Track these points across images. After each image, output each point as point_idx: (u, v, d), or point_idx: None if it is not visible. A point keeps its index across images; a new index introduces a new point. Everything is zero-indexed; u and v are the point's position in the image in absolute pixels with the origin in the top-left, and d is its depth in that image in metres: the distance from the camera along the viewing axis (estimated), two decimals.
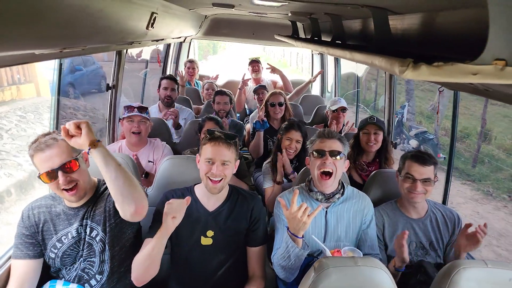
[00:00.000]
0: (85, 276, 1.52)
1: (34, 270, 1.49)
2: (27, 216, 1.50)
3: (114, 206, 1.44)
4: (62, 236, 1.49)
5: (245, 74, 4.18)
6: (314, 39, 2.57)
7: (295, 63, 22.36)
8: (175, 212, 1.39)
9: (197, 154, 1.66)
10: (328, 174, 1.64)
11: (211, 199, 1.65)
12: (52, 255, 1.49)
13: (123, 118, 2.41)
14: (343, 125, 3.22)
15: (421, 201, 1.78)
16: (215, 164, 1.54)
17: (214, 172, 1.54)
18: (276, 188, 2.32)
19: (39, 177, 1.39)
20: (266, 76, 4.74)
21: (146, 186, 2.17)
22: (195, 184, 1.71)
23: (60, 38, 1.19)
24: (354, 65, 4.96)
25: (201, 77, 5.25)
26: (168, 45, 4.68)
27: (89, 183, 1.51)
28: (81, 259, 1.51)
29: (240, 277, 1.70)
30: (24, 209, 1.52)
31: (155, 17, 1.92)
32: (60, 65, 2.23)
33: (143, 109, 2.41)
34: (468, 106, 9.42)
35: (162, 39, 2.72)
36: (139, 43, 2.32)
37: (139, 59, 8.51)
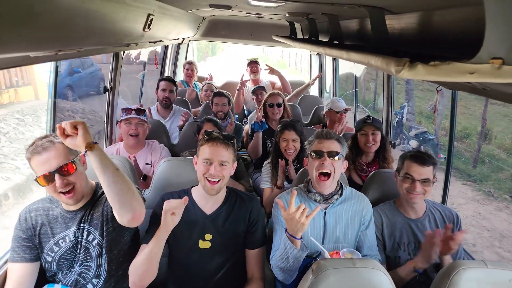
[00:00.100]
0: (82, 280, 1.51)
1: (31, 274, 1.47)
2: (24, 219, 1.48)
3: (112, 210, 1.42)
4: (59, 240, 1.48)
5: (243, 75, 4.17)
6: (311, 39, 2.57)
7: (294, 63, 22.37)
8: (174, 208, 1.38)
9: (195, 156, 1.65)
10: (327, 175, 1.63)
11: (208, 201, 1.64)
12: (49, 259, 1.48)
13: (121, 120, 2.40)
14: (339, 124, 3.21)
15: (420, 201, 1.78)
16: (213, 164, 1.54)
17: (212, 172, 1.53)
18: (276, 192, 2.31)
19: (36, 180, 1.38)
20: (265, 77, 4.73)
21: (144, 188, 2.16)
22: (192, 187, 1.70)
23: (54, 40, 1.18)
24: (352, 65, 4.96)
25: (200, 79, 5.24)
26: (166, 47, 4.68)
27: (87, 186, 1.50)
28: (78, 263, 1.50)
29: (239, 279, 1.69)
30: (21, 212, 1.51)
31: (151, 19, 1.92)
32: (56, 67, 2.21)
33: (140, 111, 2.41)
34: (468, 106, 9.41)
35: (160, 41, 2.71)
36: (136, 45, 2.31)
37: (137, 61, 8.51)
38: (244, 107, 4.58)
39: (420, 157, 1.74)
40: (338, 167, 1.66)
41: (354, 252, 1.52)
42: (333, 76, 4.87)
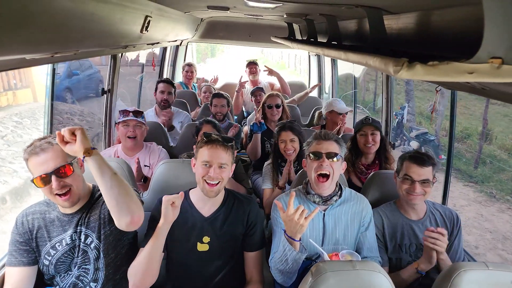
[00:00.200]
0: (80, 283, 1.49)
1: (29, 278, 1.46)
2: (21, 222, 1.47)
3: (109, 213, 1.41)
4: (56, 243, 1.47)
5: (242, 76, 4.17)
6: (310, 40, 2.57)
7: (293, 64, 22.40)
8: (173, 199, 1.39)
9: (193, 158, 1.64)
10: (325, 176, 1.62)
11: (206, 204, 1.63)
12: (46, 262, 1.47)
13: (119, 122, 2.39)
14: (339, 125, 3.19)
15: (420, 202, 1.76)
16: (213, 167, 1.53)
17: (211, 175, 1.52)
18: (277, 192, 2.30)
19: (32, 181, 1.38)
20: (264, 78, 4.73)
21: (143, 190, 2.15)
22: (190, 189, 1.69)
23: (51, 42, 1.17)
24: (351, 66, 4.96)
25: (202, 81, 5.24)
26: (164, 49, 4.67)
27: (83, 188, 1.49)
28: (76, 266, 1.49)
29: (238, 282, 1.68)
30: (18, 216, 1.50)
31: (149, 21, 1.91)
32: (53, 69, 2.20)
33: (138, 113, 2.40)
34: (468, 106, 9.40)
35: (158, 43, 2.71)
36: (134, 47, 2.30)
37: (137, 62, 8.51)
38: (243, 109, 4.57)
39: (419, 158, 1.73)
40: (337, 168, 1.65)
41: (353, 253, 1.51)
42: (332, 76, 4.87)
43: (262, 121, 2.90)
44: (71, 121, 7.38)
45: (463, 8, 0.90)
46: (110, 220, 1.41)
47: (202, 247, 1.60)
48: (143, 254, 1.42)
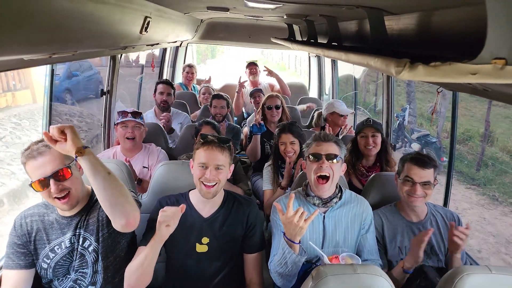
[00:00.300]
0: (78, 287, 1.48)
1: (26, 281, 1.45)
2: (19, 224, 1.46)
3: (107, 216, 1.40)
4: (55, 246, 1.45)
5: (241, 77, 4.16)
6: (310, 41, 2.56)
7: (293, 66, 22.42)
8: (169, 220, 1.36)
9: (191, 159, 1.64)
10: (325, 178, 1.61)
11: (206, 205, 1.62)
12: (45, 266, 1.45)
13: (117, 123, 2.38)
14: (340, 128, 3.17)
15: (421, 204, 1.75)
16: (209, 168, 1.52)
17: (207, 176, 1.51)
18: (279, 192, 2.29)
19: (30, 185, 1.36)
20: (264, 79, 4.73)
21: (140, 192, 2.14)
22: (190, 190, 1.69)
23: (48, 43, 1.16)
24: (351, 67, 4.96)
25: (198, 81, 5.24)
26: (164, 50, 4.67)
27: (82, 191, 1.47)
28: (74, 270, 1.47)
29: (237, 284, 1.67)
30: (17, 218, 1.48)
31: (148, 21, 1.90)
32: (52, 70, 2.19)
33: (137, 114, 2.39)
34: (468, 107, 9.39)
35: (157, 44, 2.70)
36: (133, 48, 2.29)
37: (136, 64, 8.52)
38: (243, 110, 4.56)
39: (420, 160, 1.71)
40: (337, 170, 1.64)
41: (354, 256, 1.50)
42: (332, 78, 4.86)
43: (262, 122, 2.89)
44: (70, 122, 7.36)
45: (465, 9, 0.89)
46: (109, 222, 1.40)
47: (201, 248, 1.59)
48: (138, 260, 1.41)
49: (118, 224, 1.32)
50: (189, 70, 4.66)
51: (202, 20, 3.96)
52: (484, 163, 7.85)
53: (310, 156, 1.67)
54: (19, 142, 6.34)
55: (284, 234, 1.44)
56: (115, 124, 2.48)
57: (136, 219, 1.34)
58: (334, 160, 1.62)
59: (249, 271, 1.65)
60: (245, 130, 3.48)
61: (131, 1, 1.56)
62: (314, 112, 3.76)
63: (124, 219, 1.30)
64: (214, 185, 1.53)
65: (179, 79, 4.94)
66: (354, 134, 2.77)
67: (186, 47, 5.25)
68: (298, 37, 3.63)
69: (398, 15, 1.26)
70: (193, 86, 4.81)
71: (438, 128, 8.70)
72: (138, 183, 2.29)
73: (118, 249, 1.53)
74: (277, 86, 4.56)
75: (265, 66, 4.50)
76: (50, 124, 2.27)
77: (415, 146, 7.45)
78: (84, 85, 9.26)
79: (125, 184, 1.79)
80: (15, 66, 1.33)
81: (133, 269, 1.41)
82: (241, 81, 4.07)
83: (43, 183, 1.34)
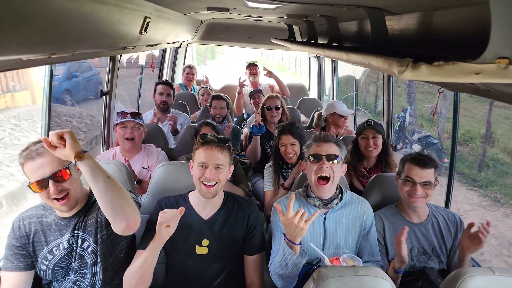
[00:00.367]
0: None
1: (25, 282, 1.44)
2: (18, 226, 1.45)
3: (106, 217, 1.39)
4: (53, 248, 1.44)
5: (240, 77, 4.16)
6: (310, 42, 2.55)
7: (293, 66, 22.43)
8: (169, 221, 1.35)
9: (190, 160, 1.63)
10: (325, 179, 1.60)
11: (206, 206, 1.61)
12: (43, 267, 1.44)
13: (116, 124, 2.37)
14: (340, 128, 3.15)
15: (422, 205, 1.74)
16: (208, 168, 1.52)
17: (207, 176, 1.51)
18: (282, 192, 2.28)
19: (29, 186, 1.35)
20: (264, 80, 4.73)
21: (140, 193, 2.13)
22: (189, 192, 1.68)
23: (47, 43, 1.16)
24: (351, 68, 4.95)
25: (198, 82, 5.24)
26: (164, 50, 4.67)
27: (81, 192, 1.46)
28: (73, 271, 1.46)
29: (238, 286, 1.66)
30: (15, 220, 1.48)
31: (148, 22, 1.89)
32: (51, 71, 2.18)
33: (136, 115, 2.38)
34: (469, 108, 9.38)
35: (157, 44, 2.69)
36: (133, 48, 2.29)
37: (136, 64, 8.51)
38: (243, 111, 4.56)
39: (421, 160, 1.70)
40: (337, 170, 1.63)
41: (355, 258, 1.48)
42: (333, 78, 4.86)
43: (262, 123, 2.88)
44: (70, 123, 7.36)
45: (467, 8, 0.89)
46: (107, 223, 1.39)
47: (201, 250, 1.58)
48: (137, 263, 1.40)
49: (118, 227, 1.31)
50: (189, 71, 4.66)
51: (202, 20, 3.95)
52: (485, 164, 7.83)
53: (310, 157, 1.66)
54: (18, 144, 6.32)
55: (284, 235, 1.43)
56: (114, 125, 2.47)
57: (137, 221, 1.33)
58: (335, 161, 1.62)
59: (250, 273, 1.65)
60: (245, 131, 3.47)
61: (131, 1, 1.56)
62: (314, 113, 3.75)
63: (124, 222, 1.29)
64: (214, 184, 1.53)
65: (178, 80, 4.94)
66: (354, 135, 2.76)
67: (186, 48, 5.25)
68: (298, 38, 3.62)
69: (399, 15, 1.25)
70: (193, 87, 4.80)
71: (439, 129, 8.68)
72: (138, 183, 2.28)
73: (117, 250, 1.51)
74: (277, 87, 4.56)
75: (264, 67, 4.50)
76: (49, 125, 2.26)
77: (416, 148, 7.43)
78: (83, 86, 9.26)
79: (124, 185, 1.80)
80: (13, 66, 1.32)
81: (133, 272, 1.40)
82: (241, 81, 4.07)
83: (42, 184, 1.33)
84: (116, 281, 1.52)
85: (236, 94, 4.17)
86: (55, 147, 1.26)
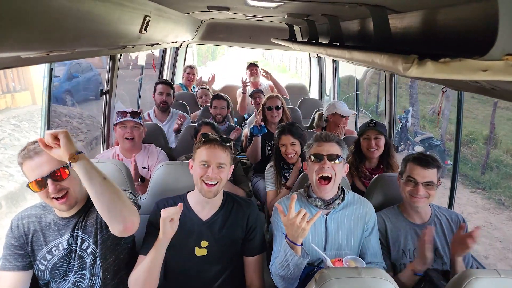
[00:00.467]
0: None
1: (23, 283, 1.43)
2: (16, 226, 1.44)
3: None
4: (52, 248, 1.43)
5: (243, 77, 4.15)
6: (311, 41, 2.54)
7: (294, 67, 22.44)
8: (172, 215, 1.35)
9: (190, 159, 1.62)
10: (327, 179, 1.58)
11: (205, 207, 1.60)
12: (42, 267, 1.43)
13: (116, 124, 2.36)
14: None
15: (424, 205, 1.72)
16: (211, 167, 1.50)
17: (209, 175, 1.49)
18: (284, 192, 2.27)
19: (28, 185, 1.34)
20: (264, 81, 4.72)
21: (141, 192, 2.11)
22: (188, 192, 1.66)
23: (45, 40, 1.15)
24: (352, 68, 4.93)
25: (203, 82, 5.23)
26: (164, 51, 4.66)
27: (80, 192, 1.45)
28: (72, 272, 1.45)
29: (238, 287, 1.64)
30: (14, 219, 1.46)
31: (148, 21, 1.88)
32: (51, 69, 2.17)
33: (136, 114, 2.36)
34: (470, 109, 9.34)
35: (157, 44, 2.68)
36: (133, 47, 2.28)
37: (135, 65, 8.52)
38: None
39: (423, 160, 1.68)
40: (339, 170, 1.61)
41: (358, 259, 1.46)
42: (333, 79, 4.84)
43: (263, 124, 2.86)
44: (70, 124, 7.36)
45: (474, 5, 0.87)
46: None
47: (201, 251, 1.57)
48: (143, 266, 1.38)
49: (115, 230, 1.29)
50: (190, 71, 4.66)
51: (202, 20, 3.95)
52: (488, 166, 7.77)
53: (312, 157, 1.64)
54: (17, 144, 6.31)
55: (286, 236, 1.42)
56: (114, 125, 2.46)
57: (135, 223, 1.31)
58: (336, 161, 1.60)
59: (250, 274, 1.63)
60: (245, 131, 3.46)
61: (131, 0, 1.54)
62: (315, 113, 3.73)
63: (121, 224, 1.27)
64: (216, 183, 1.51)
65: (179, 80, 4.93)
66: (355, 135, 2.74)
67: (186, 48, 5.24)
68: (299, 38, 3.61)
69: (402, 13, 1.23)
70: (193, 87, 4.80)
71: (442, 131, 8.63)
72: (142, 181, 2.27)
73: (118, 251, 1.50)
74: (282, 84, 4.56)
75: (262, 69, 4.50)
76: (49, 125, 2.25)
77: (419, 149, 7.38)
78: (84, 86, 9.27)
79: (124, 185, 1.78)
80: (12, 64, 1.31)
81: (138, 276, 1.39)
82: (245, 81, 4.06)
83: (41, 184, 1.32)
84: (115, 282, 1.50)
85: (241, 94, 4.16)
86: (51, 147, 1.24)
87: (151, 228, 1.50)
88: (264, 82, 4.67)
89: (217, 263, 1.58)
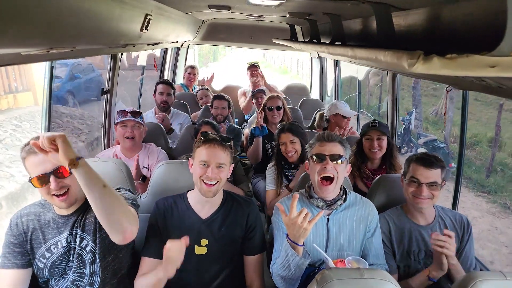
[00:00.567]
0: None
1: (23, 280, 1.42)
2: (15, 224, 1.43)
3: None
4: (51, 246, 1.42)
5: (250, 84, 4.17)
6: (313, 41, 2.52)
7: (295, 69, 22.44)
8: (175, 261, 1.33)
9: (190, 159, 1.61)
10: (329, 180, 1.56)
11: (204, 206, 1.59)
12: (41, 265, 1.42)
13: (117, 123, 2.36)
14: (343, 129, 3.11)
15: (428, 206, 1.69)
16: (210, 166, 1.50)
17: (209, 175, 1.49)
18: (285, 193, 2.26)
19: (30, 181, 1.33)
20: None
21: (142, 191, 2.11)
22: (188, 191, 1.66)
23: (45, 37, 1.14)
24: (354, 69, 4.90)
25: (201, 82, 5.23)
26: (165, 51, 4.66)
27: (81, 190, 1.42)
28: (71, 270, 1.44)
29: (237, 287, 1.64)
30: (13, 217, 1.46)
31: (149, 19, 1.88)
32: (51, 68, 2.17)
33: (136, 114, 2.36)
34: (474, 112, 9.23)
35: (158, 43, 2.68)
36: (133, 46, 2.27)
37: (137, 65, 8.54)
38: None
39: (426, 160, 1.66)
40: (341, 171, 1.59)
41: (360, 260, 1.44)
42: (335, 79, 4.82)
43: (264, 125, 2.85)
44: (71, 125, 7.37)
45: (479, 1, 0.85)
46: None
47: (200, 250, 1.56)
48: (149, 279, 1.42)
49: (115, 239, 1.28)
50: (191, 71, 4.65)
51: (203, 20, 3.95)
52: (493, 169, 7.67)
53: (314, 157, 1.62)
54: (19, 144, 6.30)
55: (287, 236, 1.40)
56: (114, 124, 2.45)
57: (134, 232, 1.30)
58: (339, 161, 1.58)
59: (250, 273, 1.62)
60: (246, 131, 3.45)
61: None
62: (316, 113, 3.71)
63: (121, 235, 1.26)
64: (215, 183, 1.51)
65: (179, 81, 4.93)
66: (357, 135, 2.71)
67: (187, 49, 5.24)
68: (300, 38, 3.60)
69: (406, 10, 1.22)
70: (194, 87, 4.79)
71: (446, 133, 8.55)
72: (143, 180, 2.26)
73: (117, 249, 1.49)
74: (278, 88, 4.53)
75: (258, 73, 4.49)
76: (49, 125, 2.25)
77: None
78: (86, 87, 9.30)
79: (124, 184, 1.77)
80: (12, 61, 1.31)
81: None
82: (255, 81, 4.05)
83: (43, 180, 1.31)
84: (115, 280, 1.50)
85: (243, 94, 4.13)
86: (47, 151, 1.19)
87: (152, 229, 1.49)
88: None
89: (217, 262, 1.57)
